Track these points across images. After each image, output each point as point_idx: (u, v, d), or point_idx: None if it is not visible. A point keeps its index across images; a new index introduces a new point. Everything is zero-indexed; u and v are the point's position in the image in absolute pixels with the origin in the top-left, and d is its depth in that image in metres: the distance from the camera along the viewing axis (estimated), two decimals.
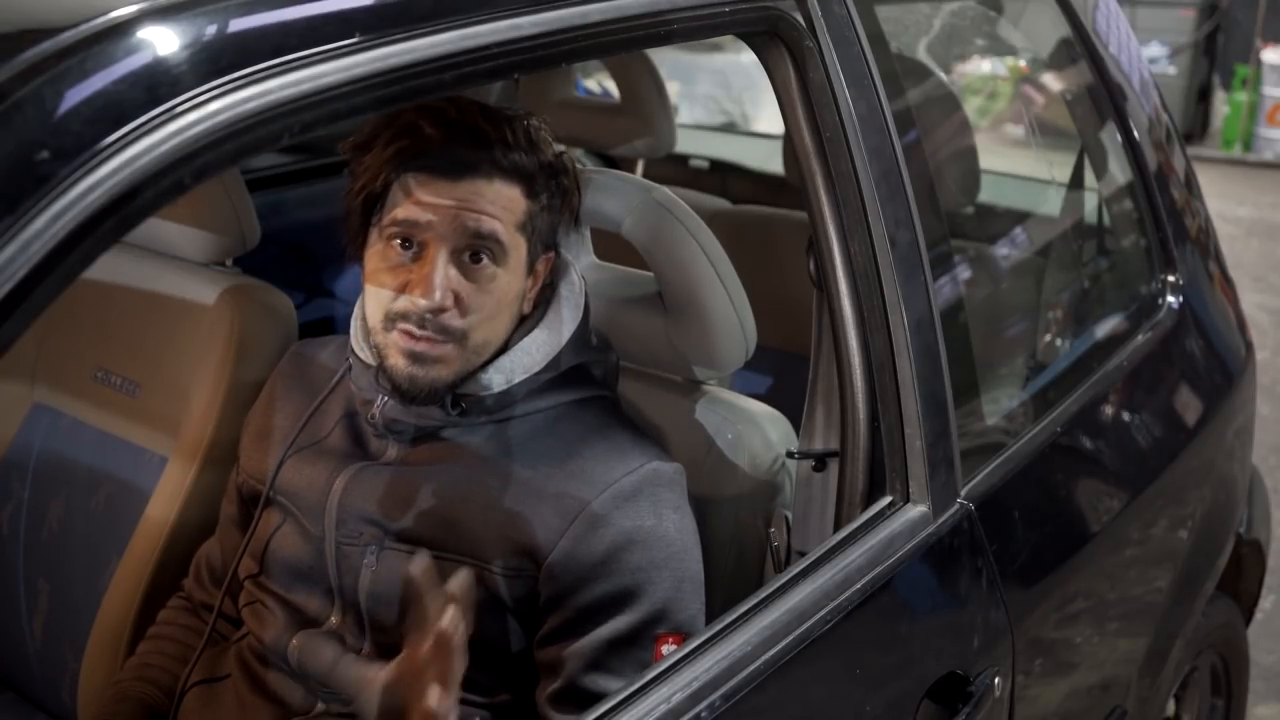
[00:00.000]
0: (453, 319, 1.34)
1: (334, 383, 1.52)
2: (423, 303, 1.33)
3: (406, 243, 1.35)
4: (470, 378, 1.39)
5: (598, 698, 1.31)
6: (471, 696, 1.39)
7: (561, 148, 1.45)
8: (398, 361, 1.36)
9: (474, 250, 1.34)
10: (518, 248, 1.38)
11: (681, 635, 1.36)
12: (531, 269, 1.42)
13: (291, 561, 1.48)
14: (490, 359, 1.40)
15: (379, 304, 1.37)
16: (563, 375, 1.44)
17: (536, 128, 1.41)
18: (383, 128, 1.36)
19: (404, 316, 1.34)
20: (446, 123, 1.34)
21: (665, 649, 1.35)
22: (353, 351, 1.46)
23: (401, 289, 1.35)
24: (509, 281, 1.38)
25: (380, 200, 1.37)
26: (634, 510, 1.37)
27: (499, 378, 1.40)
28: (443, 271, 1.33)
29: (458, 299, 1.34)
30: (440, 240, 1.34)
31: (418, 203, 1.33)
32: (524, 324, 1.44)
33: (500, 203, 1.35)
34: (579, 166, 1.49)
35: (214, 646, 1.56)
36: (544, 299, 1.46)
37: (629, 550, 1.35)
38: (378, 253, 1.37)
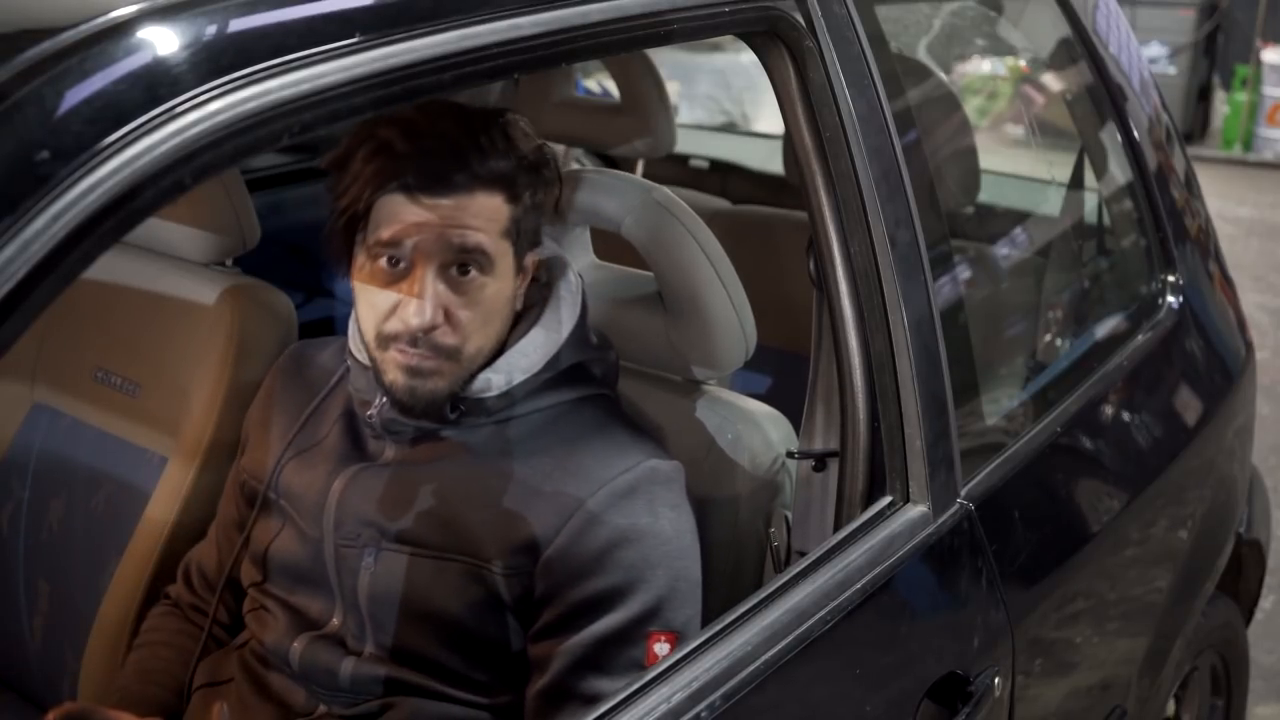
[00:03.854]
0: (445, 336, 1.35)
1: (332, 384, 1.52)
2: (414, 323, 1.33)
3: (394, 262, 1.34)
4: (467, 382, 1.39)
5: (586, 696, 1.31)
6: (473, 697, 1.39)
7: (540, 140, 1.42)
8: (396, 378, 1.37)
9: (461, 264, 1.34)
10: (504, 255, 1.37)
11: (675, 634, 1.35)
12: (520, 269, 1.41)
13: (292, 565, 1.47)
14: (487, 361, 1.40)
15: (371, 324, 1.37)
16: (562, 374, 1.44)
17: (512, 124, 1.39)
18: (357, 145, 1.35)
19: (397, 337, 1.35)
20: (419, 136, 1.33)
21: (658, 648, 1.34)
22: (350, 354, 1.46)
23: (393, 308, 1.34)
24: (498, 289, 1.37)
25: (363, 221, 1.36)
26: (630, 508, 1.36)
27: (498, 379, 1.40)
28: (432, 289, 1.33)
29: (448, 315, 1.34)
30: (427, 258, 1.33)
31: (401, 223, 1.33)
32: (520, 323, 1.44)
33: (484, 214, 1.34)
34: (579, 165, 1.49)
35: (214, 650, 1.56)
36: (541, 297, 1.46)
37: (623, 548, 1.35)
38: (367, 272, 1.37)
